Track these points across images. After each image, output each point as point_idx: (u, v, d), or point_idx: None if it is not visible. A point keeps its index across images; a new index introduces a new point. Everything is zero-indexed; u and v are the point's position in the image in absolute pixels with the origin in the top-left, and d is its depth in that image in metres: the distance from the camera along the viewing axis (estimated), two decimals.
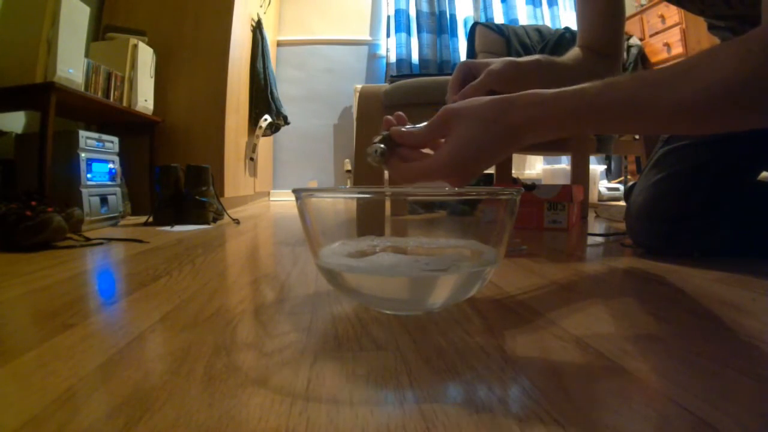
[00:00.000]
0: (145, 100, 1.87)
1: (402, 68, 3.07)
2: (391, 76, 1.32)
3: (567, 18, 3.27)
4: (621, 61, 0.77)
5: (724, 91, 0.38)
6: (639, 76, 0.45)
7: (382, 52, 3.25)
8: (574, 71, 0.70)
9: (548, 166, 3.26)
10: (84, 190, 1.34)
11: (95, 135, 1.45)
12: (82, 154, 1.36)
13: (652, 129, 0.46)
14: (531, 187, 1.31)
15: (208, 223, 1.45)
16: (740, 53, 0.38)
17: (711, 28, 0.87)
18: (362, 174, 1.09)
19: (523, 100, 0.46)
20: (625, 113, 0.44)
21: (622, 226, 0.96)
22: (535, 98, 0.46)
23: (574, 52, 0.77)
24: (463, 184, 0.48)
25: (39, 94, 1.33)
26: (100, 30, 1.96)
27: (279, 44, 3.22)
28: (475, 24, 2.09)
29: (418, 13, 3.17)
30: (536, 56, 0.67)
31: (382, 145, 0.48)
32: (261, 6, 2.67)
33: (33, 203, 0.98)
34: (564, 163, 3.21)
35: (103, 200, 1.41)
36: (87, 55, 1.62)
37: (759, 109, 0.39)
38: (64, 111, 1.56)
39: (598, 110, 0.44)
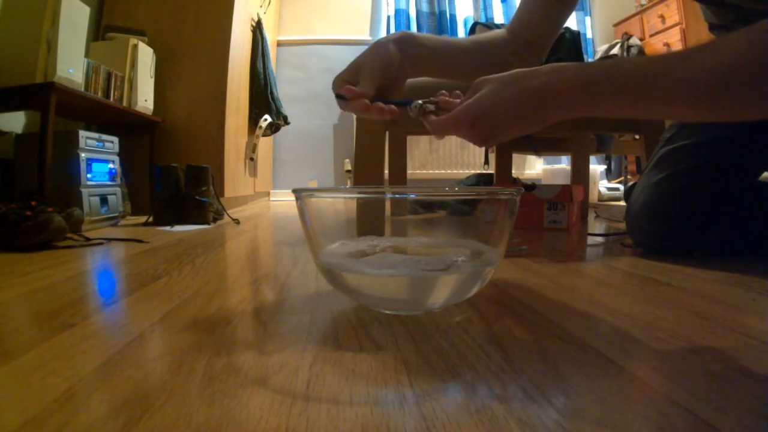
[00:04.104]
0: (145, 100, 1.87)
1: None
2: None
3: None
4: (542, 54, 0.74)
5: (731, 74, 0.39)
6: (653, 55, 0.45)
7: None
8: (470, 54, 0.68)
9: (548, 166, 3.26)
10: (84, 190, 1.34)
11: (95, 135, 1.45)
12: (82, 154, 1.36)
13: (662, 109, 0.45)
14: (531, 187, 1.31)
15: (208, 223, 1.45)
16: (747, 40, 0.39)
17: (712, 28, 0.87)
18: (362, 174, 1.09)
19: (545, 68, 0.47)
20: (637, 87, 0.44)
21: (622, 226, 0.96)
22: (555, 67, 0.47)
23: (495, 35, 0.73)
24: (481, 140, 0.50)
25: (39, 94, 1.33)
26: (100, 30, 1.96)
27: (279, 44, 3.22)
28: (475, 24, 2.09)
29: (418, 13, 3.17)
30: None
31: (420, 102, 0.53)
32: (261, 6, 2.67)
33: (33, 203, 0.98)
34: (564, 163, 3.21)
35: (103, 200, 1.41)
36: (87, 55, 1.62)
37: (763, 98, 0.39)
38: (64, 111, 1.57)
39: (611, 81, 0.44)
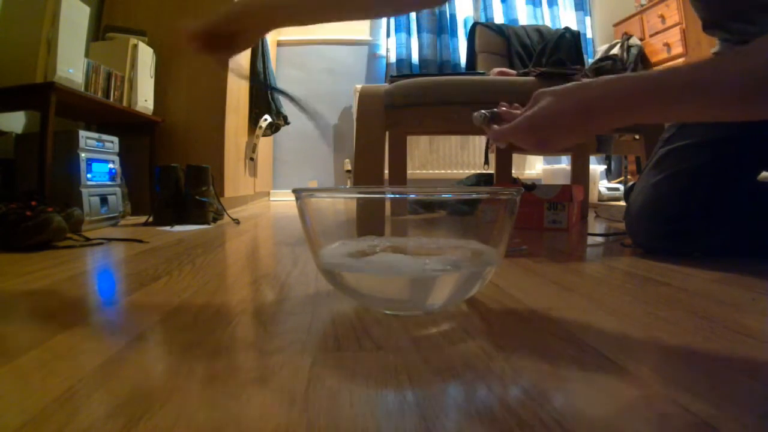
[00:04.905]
0: (145, 100, 1.87)
1: (402, 68, 3.07)
2: (391, 76, 1.31)
3: (567, 18, 3.27)
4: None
5: None
6: (702, 60, 0.48)
7: (382, 52, 3.25)
8: None
9: (548, 166, 3.26)
10: (84, 190, 1.33)
11: (95, 135, 1.45)
12: (82, 154, 1.36)
13: (714, 109, 0.48)
14: (531, 187, 1.31)
15: (208, 223, 1.45)
16: None
17: (705, 27, 0.87)
18: (362, 174, 1.09)
19: (598, 81, 0.51)
20: (689, 92, 0.46)
21: (622, 226, 0.96)
22: (608, 79, 0.51)
23: None
24: (539, 147, 0.54)
25: (39, 94, 1.33)
26: (100, 30, 1.96)
27: (279, 44, 3.22)
28: (475, 24, 2.09)
29: (418, 13, 3.17)
30: None
31: (484, 111, 0.60)
32: None
33: (33, 203, 0.98)
34: (564, 163, 3.21)
35: (103, 200, 1.41)
36: (87, 55, 1.62)
37: None
38: (64, 111, 1.56)
39: (662, 89, 0.47)
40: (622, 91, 0.49)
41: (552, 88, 0.54)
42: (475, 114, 0.61)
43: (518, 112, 0.58)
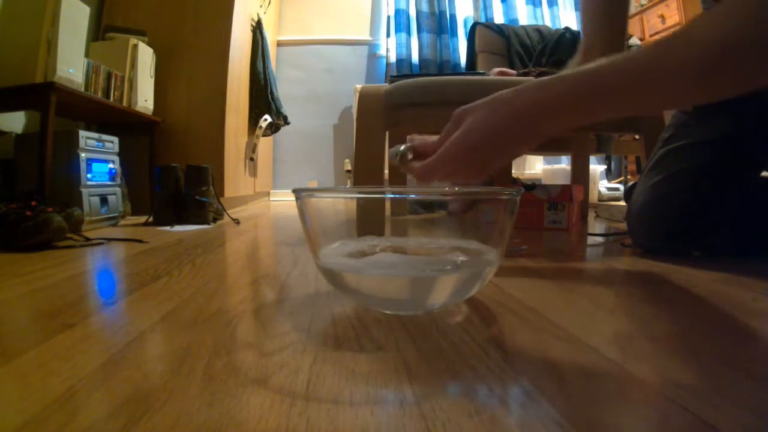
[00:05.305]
0: (145, 100, 1.87)
1: (402, 68, 3.07)
2: (391, 76, 1.31)
3: (567, 18, 3.27)
4: None
5: (736, 43, 0.38)
6: (639, 50, 0.44)
7: (382, 52, 3.25)
8: None
9: (548, 166, 3.26)
10: (84, 190, 1.33)
11: (95, 135, 1.45)
12: (82, 154, 1.36)
13: (661, 101, 0.45)
14: (531, 187, 1.31)
15: (208, 223, 1.45)
16: (727, 19, 0.38)
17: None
18: (362, 174, 1.09)
19: (531, 84, 0.47)
20: (630, 85, 0.43)
21: (622, 226, 0.96)
22: (541, 82, 0.47)
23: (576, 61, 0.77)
24: (478, 170, 0.48)
25: (39, 94, 1.33)
26: (100, 30, 1.96)
27: (279, 44, 3.22)
28: (475, 24, 2.10)
29: (418, 13, 3.17)
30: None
31: (401, 147, 0.51)
32: (261, 6, 2.67)
33: (33, 203, 0.98)
34: (564, 163, 3.21)
35: (103, 200, 1.41)
36: (87, 55, 1.62)
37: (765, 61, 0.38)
38: (64, 111, 1.56)
39: (595, 88, 0.44)
40: (556, 95, 0.45)
41: (477, 102, 0.49)
42: (390, 151, 0.52)
43: (434, 139, 0.50)
